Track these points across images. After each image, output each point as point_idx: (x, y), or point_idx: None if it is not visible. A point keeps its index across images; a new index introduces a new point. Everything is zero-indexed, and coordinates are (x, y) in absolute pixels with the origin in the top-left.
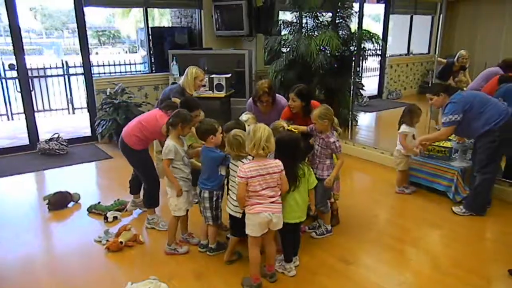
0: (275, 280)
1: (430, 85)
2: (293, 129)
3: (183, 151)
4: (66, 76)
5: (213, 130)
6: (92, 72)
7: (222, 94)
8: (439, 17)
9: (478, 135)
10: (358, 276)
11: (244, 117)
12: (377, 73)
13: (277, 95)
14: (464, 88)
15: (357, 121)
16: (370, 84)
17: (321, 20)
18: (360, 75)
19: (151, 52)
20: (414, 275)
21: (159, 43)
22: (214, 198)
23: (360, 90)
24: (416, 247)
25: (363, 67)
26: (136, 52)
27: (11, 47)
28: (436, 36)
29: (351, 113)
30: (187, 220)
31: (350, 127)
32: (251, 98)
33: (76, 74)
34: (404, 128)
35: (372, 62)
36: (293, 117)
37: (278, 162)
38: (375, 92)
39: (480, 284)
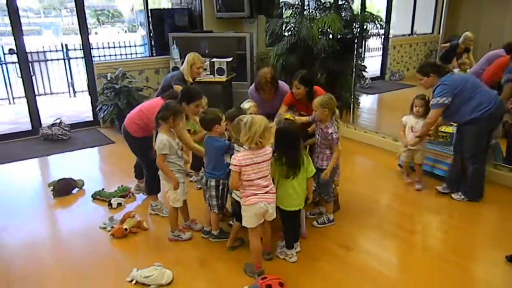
0: (271, 258)
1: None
2: (292, 118)
3: (176, 144)
4: (67, 60)
5: (218, 119)
6: (92, 55)
7: (223, 78)
8: None
9: (465, 121)
10: (359, 262)
11: (246, 105)
12: (380, 53)
13: (280, 81)
14: (468, 70)
15: (359, 103)
16: (372, 65)
17: (323, 1)
18: (362, 56)
19: (151, 34)
20: (414, 261)
21: (159, 25)
22: (221, 187)
23: (362, 72)
24: (416, 234)
25: (366, 47)
26: (135, 32)
27: (9, 28)
28: (440, 16)
29: (353, 96)
30: (187, 208)
31: (352, 110)
32: (253, 85)
33: (76, 58)
34: (404, 117)
35: (375, 42)
36: (295, 102)
37: (268, 150)
38: (378, 73)
39: (479, 271)
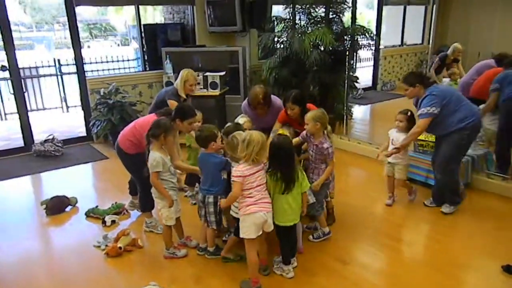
0: (268, 273)
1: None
2: (286, 133)
3: (168, 161)
4: (59, 76)
5: (213, 136)
6: (85, 70)
7: (216, 92)
8: (432, 7)
9: (448, 132)
10: (355, 276)
11: (240, 120)
12: (371, 63)
13: (272, 96)
14: (458, 80)
15: (352, 114)
16: (364, 75)
17: (314, 15)
18: (354, 67)
19: (144, 49)
20: (410, 273)
21: (152, 40)
22: (219, 203)
23: (354, 83)
24: (411, 245)
25: (357, 58)
26: (128, 45)
27: (1, 43)
28: (429, 27)
29: (345, 108)
30: (181, 225)
31: (345, 122)
32: (246, 100)
33: (69, 73)
34: (390, 130)
35: (366, 53)
36: (289, 120)
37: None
38: (369, 83)
39: (474, 282)
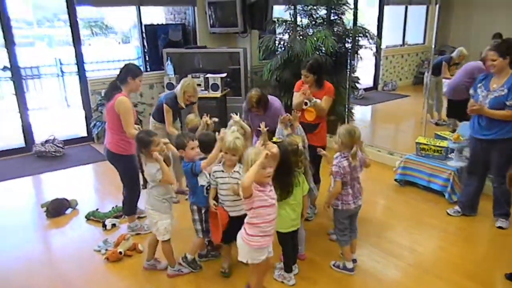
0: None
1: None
2: (280, 140)
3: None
4: (60, 76)
5: (182, 144)
6: (86, 70)
7: (218, 93)
8: (435, 7)
9: (507, 137)
10: (358, 283)
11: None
12: (372, 63)
13: (271, 97)
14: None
15: (353, 114)
16: (365, 76)
17: (315, 17)
18: (355, 68)
19: (145, 50)
20: (413, 281)
21: (153, 40)
22: (203, 210)
23: (356, 84)
24: (415, 251)
25: (359, 59)
26: (129, 42)
27: (2, 40)
28: (431, 27)
29: (347, 109)
30: (156, 246)
31: (347, 123)
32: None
33: (70, 73)
34: None
35: (367, 53)
36: (304, 87)
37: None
38: (371, 83)
39: None
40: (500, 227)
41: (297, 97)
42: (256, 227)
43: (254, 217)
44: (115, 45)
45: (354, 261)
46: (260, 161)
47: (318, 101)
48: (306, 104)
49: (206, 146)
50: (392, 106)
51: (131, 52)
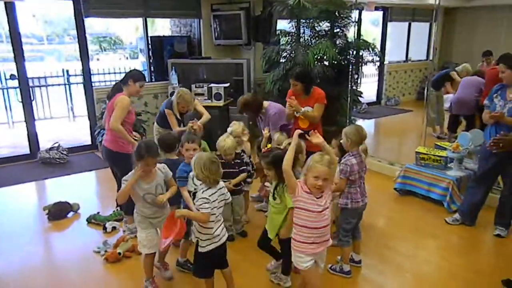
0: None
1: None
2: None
3: (148, 189)
4: (67, 85)
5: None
6: (93, 81)
7: (220, 103)
8: (435, 24)
9: None
10: None
11: (231, 128)
12: (376, 78)
13: (269, 103)
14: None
15: None
16: (368, 90)
17: (318, 29)
18: (358, 82)
19: (151, 61)
20: None
21: (159, 51)
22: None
23: (358, 97)
24: (413, 259)
25: (362, 74)
26: (137, 58)
27: (12, 54)
28: (434, 43)
29: (348, 121)
30: (152, 263)
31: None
32: None
33: (76, 83)
34: None
35: (371, 68)
36: (294, 95)
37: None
38: (374, 98)
39: None
40: (498, 235)
41: (288, 108)
42: (297, 227)
43: (295, 216)
44: (123, 60)
45: (360, 262)
46: (293, 143)
47: (309, 109)
48: (297, 113)
49: (167, 146)
50: (395, 120)
51: (138, 65)
